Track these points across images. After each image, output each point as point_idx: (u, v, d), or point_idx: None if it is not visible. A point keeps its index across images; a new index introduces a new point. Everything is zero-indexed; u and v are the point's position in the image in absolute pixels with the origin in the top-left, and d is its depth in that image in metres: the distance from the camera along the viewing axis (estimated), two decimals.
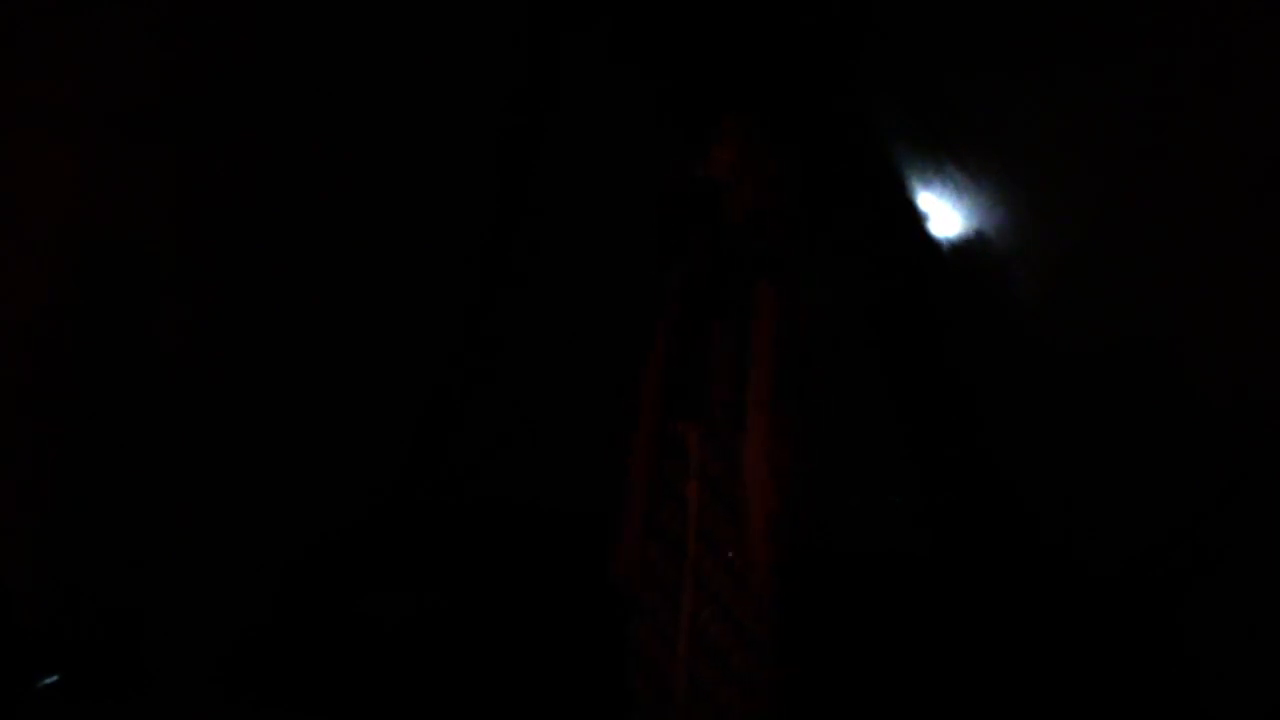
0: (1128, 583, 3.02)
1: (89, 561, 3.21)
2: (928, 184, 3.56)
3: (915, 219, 3.62)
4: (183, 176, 3.21)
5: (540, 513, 3.78)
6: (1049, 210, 3.18)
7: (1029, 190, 3.23)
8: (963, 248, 3.50)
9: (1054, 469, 3.25)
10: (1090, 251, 3.07)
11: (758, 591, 2.40)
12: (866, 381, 3.77)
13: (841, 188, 3.69)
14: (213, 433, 3.36)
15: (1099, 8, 2.92)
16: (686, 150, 2.63)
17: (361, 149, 3.38)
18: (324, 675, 3.35)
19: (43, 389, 3.14)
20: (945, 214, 3.53)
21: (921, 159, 3.56)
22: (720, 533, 2.46)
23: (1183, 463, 2.84)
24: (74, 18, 2.96)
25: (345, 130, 3.35)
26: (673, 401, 2.57)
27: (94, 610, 3.24)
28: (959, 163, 3.39)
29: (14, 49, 2.92)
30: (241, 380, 3.37)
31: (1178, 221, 2.82)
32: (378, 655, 3.43)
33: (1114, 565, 3.06)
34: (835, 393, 3.67)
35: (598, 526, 3.69)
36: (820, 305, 2.53)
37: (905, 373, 3.84)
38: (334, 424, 3.52)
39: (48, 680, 3.12)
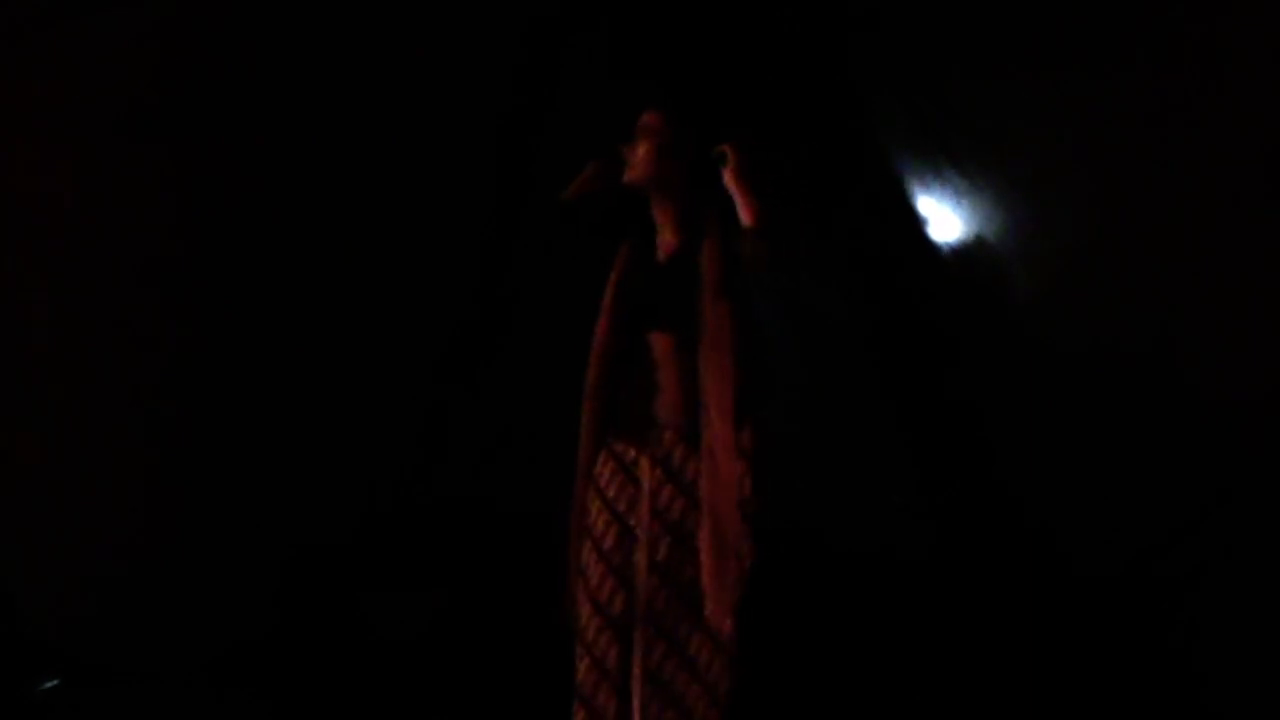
0: (1128, 583, 3.03)
1: (89, 563, 3.21)
2: (926, 187, 3.57)
3: (914, 222, 3.62)
4: (182, 177, 3.21)
5: (540, 515, 3.77)
6: (1049, 213, 3.19)
7: (1029, 193, 3.23)
8: (962, 251, 3.51)
9: (1054, 470, 3.26)
10: (1090, 254, 3.07)
11: (720, 639, 2.24)
12: (865, 385, 3.77)
13: (840, 191, 3.69)
14: (213, 434, 3.36)
15: (1099, 9, 2.92)
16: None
17: (362, 153, 3.38)
18: (324, 676, 3.35)
19: (41, 392, 3.14)
20: (944, 217, 3.53)
21: (920, 162, 3.56)
22: (678, 572, 2.31)
23: (1183, 463, 2.84)
24: (74, 19, 2.96)
25: (345, 133, 3.35)
26: (618, 424, 2.45)
27: (94, 611, 3.24)
28: (958, 166, 3.39)
29: (14, 49, 2.92)
30: (242, 381, 3.37)
31: (1178, 224, 2.82)
32: (378, 656, 3.43)
33: (1114, 565, 3.07)
34: (835, 396, 3.68)
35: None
36: (822, 311, 2.49)
37: (904, 376, 3.84)
38: (334, 425, 3.51)
39: (49, 684, 3.12)
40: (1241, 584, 2.66)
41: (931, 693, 3.13)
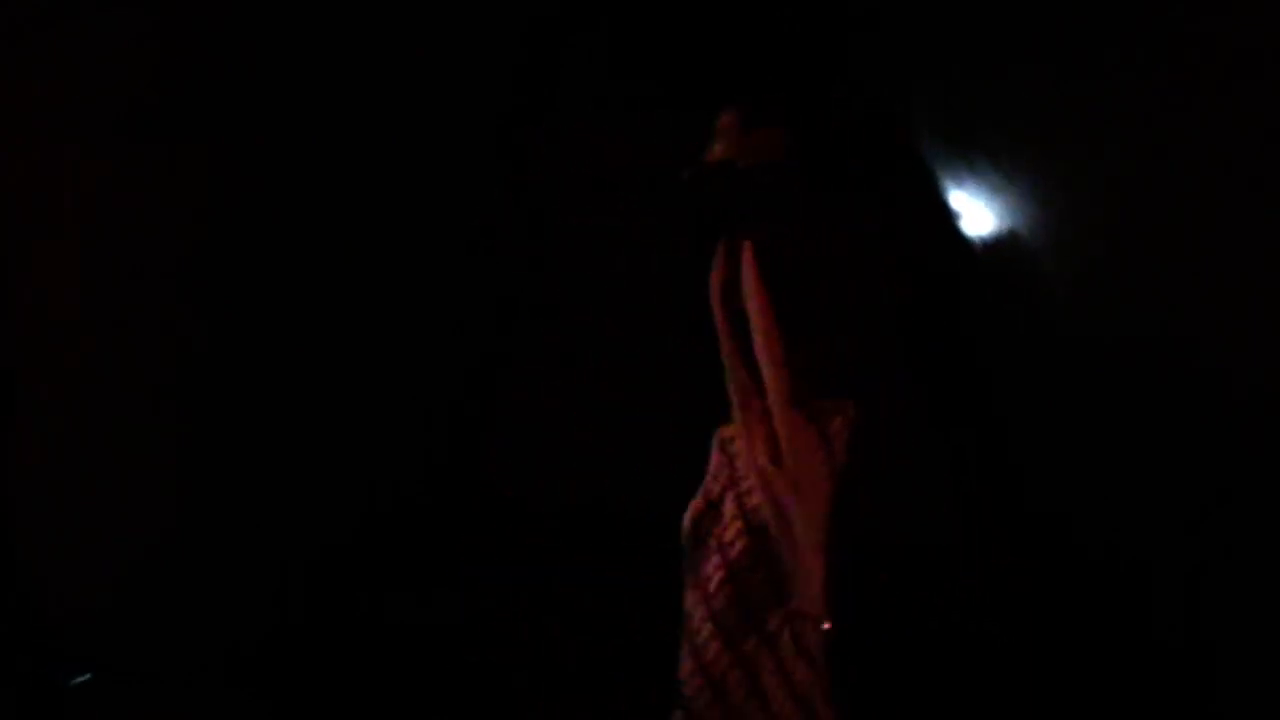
0: (1149, 579, 2.99)
1: (90, 563, 3.22)
2: (959, 182, 3.53)
3: (946, 217, 3.59)
4: (183, 177, 3.22)
5: (553, 513, 3.77)
6: (1083, 207, 3.15)
7: (1063, 188, 3.19)
8: (994, 246, 3.47)
9: (1084, 467, 3.22)
10: (1125, 249, 3.03)
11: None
12: (896, 379, 3.73)
13: (871, 184, 3.66)
14: (228, 433, 3.37)
15: (1138, 4, 2.89)
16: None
17: (362, 153, 3.39)
18: (325, 676, 3.35)
19: (52, 392, 3.16)
20: (977, 211, 3.50)
21: (953, 156, 3.53)
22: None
23: (1213, 459, 2.80)
24: (74, 18, 2.98)
25: (346, 133, 3.36)
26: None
27: (94, 611, 3.25)
28: (992, 160, 3.36)
29: (14, 49, 2.94)
30: (245, 381, 3.38)
31: (1216, 218, 2.78)
32: (379, 655, 3.43)
33: (1139, 562, 3.03)
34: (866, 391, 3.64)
35: (616, 527, 3.70)
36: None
37: (935, 371, 3.80)
38: (339, 424, 3.52)
39: (79, 679, 3.13)
40: (1241, 584, 2.63)
41: (943, 683, 3.10)
